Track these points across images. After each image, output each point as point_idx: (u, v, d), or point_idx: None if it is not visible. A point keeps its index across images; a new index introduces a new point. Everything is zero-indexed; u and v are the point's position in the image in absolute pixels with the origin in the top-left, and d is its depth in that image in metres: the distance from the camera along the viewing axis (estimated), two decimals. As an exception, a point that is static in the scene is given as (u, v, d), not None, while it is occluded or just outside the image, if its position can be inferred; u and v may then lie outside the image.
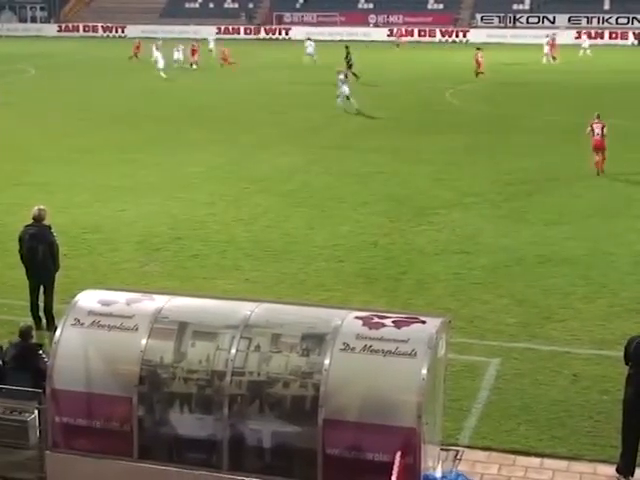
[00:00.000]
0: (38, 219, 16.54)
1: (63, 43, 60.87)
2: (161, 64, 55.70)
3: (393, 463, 9.89)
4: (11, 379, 12.08)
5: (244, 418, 10.69)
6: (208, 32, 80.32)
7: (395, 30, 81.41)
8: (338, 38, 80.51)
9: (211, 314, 11.49)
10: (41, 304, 16.46)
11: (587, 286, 18.54)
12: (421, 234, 22.13)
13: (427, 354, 10.34)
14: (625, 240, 21.55)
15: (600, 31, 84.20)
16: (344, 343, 10.53)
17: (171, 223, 23.04)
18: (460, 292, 18.17)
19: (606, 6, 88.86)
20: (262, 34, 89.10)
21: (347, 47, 55.28)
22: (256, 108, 42.75)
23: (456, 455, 12.07)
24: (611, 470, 11.76)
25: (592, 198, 25.55)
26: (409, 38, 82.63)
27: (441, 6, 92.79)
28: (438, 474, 10.97)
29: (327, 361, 10.43)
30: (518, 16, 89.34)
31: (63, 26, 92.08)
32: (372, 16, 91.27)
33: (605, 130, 28.32)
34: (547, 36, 67.20)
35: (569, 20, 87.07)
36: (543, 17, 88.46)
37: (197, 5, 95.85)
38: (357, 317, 10.94)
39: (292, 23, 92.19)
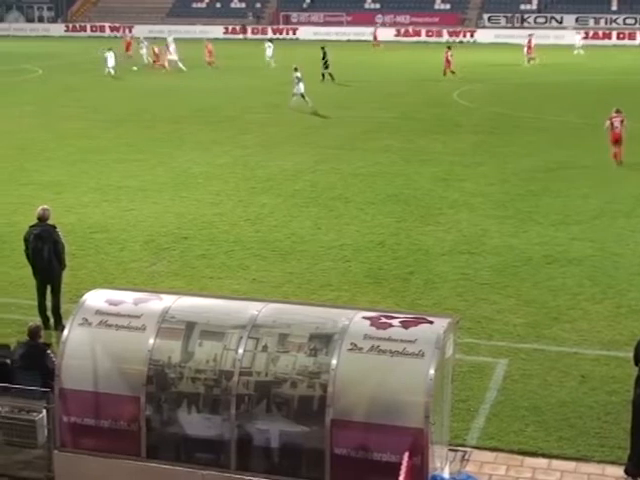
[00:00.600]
0: (43, 219, 16.56)
1: (70, 43, 60.90)
2: (111, 63, 56.14)
3: (401, 463, 9.88)
4: (19, 378, 12.11)
5: (252, 418, 10.69)
6: (204, 31, 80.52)
7: (374, 29, 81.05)
8: (345, 38, 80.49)
9: (219, 314, 11.48)
10: (48, 303, 16.48)
11: (595, 287, 18.50)
12: (428, 234, 22.11)
13: (435, 354, 10.32)
14: (633, 241, 21.51)
15: (607, 32, 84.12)
16: (352, 343, 10.52)
17: (178, 223, 23.05)
18: (467, 292, 18.15)
19: (614, 7, 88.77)
20: (269, 34, 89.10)
21: (323, 48, 55.01)
22: (261, 107, 42.73)
23: (464, 456, 12.06)
24: (619, 471, 11.73)
25: (599, 199, 25.49)
26: (416, 38, 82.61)
27: (448, 6, 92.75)
28: (446, 475, 10.95)
29: (335, 361, 10.42)
30: (526, 16, 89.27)
31: (70, 26, 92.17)
32: (379, 16, 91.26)
33: (625, 123, 29.67)
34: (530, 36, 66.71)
35: (576, 20, 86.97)
36: (551, 17, 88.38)
37: (204, 5, 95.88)
38: (364, 317, 10.93)
39: (299, 23, 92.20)
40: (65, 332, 11.61)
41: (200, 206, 24.70)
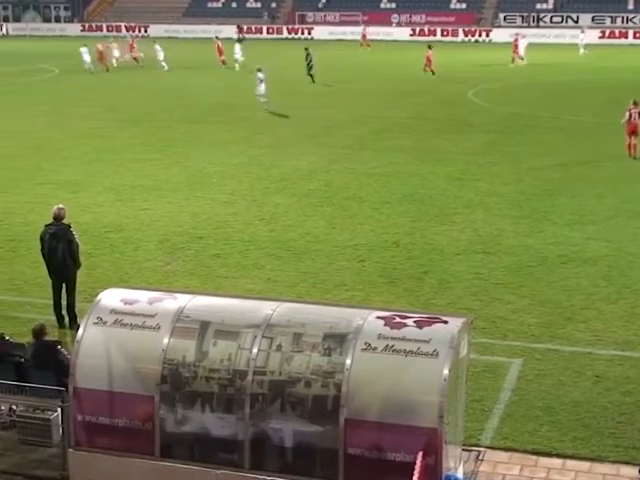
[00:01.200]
0: (58, 218, 16.62)
1: (86, 43, 61.00)
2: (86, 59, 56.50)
3: (414, 463, 9.88)
4: (33, 377, 12.15)
5: (266, 417, 10.70)
6: (225, 31, 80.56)
7: (362, 29, 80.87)
8: (360, 38, 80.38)
9: (233, 313, 11.50)
10: (64, 302, 16.54)
11: (610, 287, 18.45)
12: (442, 234, 22.08)
13: (449, 354, 10.32)
14: (648, 240, 21.46)
15: (624, 31, 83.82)
16: (366, 343, 10.53)
17: (192, 222, 23.09)
18: (482, 292, 18.12)
19: (630, 5, 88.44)
20: (284, 34, 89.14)
21: (307, 49, 54.96)
22: (275, 107, 42.75)
23: (478, 456, 12.05)
24: (634, 472, 11.71)
25: (615, 198, 25.41)
26: (431, 37, 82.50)
27: (464, 5, 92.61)
28: (459, 475, 10.94)
29: (349, 361, 10.43)
30: (541, 15, 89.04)
31: (86, 26, 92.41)
32: (395, 15, 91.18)
33: None
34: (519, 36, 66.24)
35: (593, 20, 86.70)
36: (567, 17, 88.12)
37: (220, 4, 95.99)
38: (379, 317, 10.93)
39: (314, 23, 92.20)
40: (80, 331, 11.65)
41: (215, 206, 24.73)
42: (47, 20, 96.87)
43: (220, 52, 61.42)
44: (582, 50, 69.31)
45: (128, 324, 11.41)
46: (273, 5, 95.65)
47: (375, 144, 33.94)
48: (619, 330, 16.21)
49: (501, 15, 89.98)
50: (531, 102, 45.14)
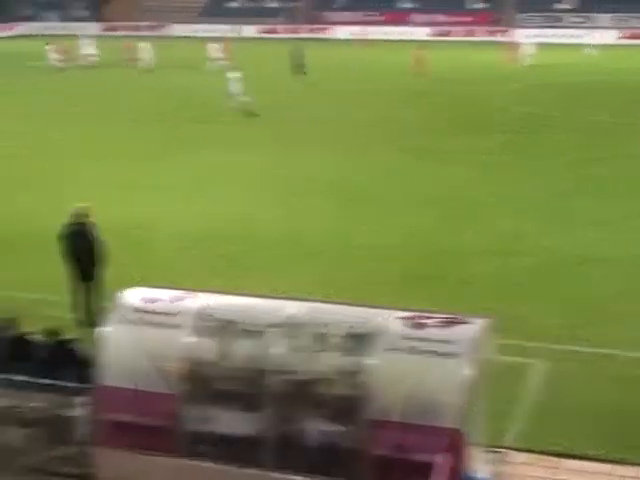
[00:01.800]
0: (79, 217, 16.70)
1: (105, 42, 61.21)
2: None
3: (436, 464, 9.89)
4: (57, 375, 12.21)
5: (288, 417, 10.73)
6: (248, 31, 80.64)
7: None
8: (378, 37, 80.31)
9: (255, 312, 11.53)
10: (86, 301, 16.61)
11: (631, 287, 18.40)
12: (463, 235, 22.09)
13: (470, 355, 10.33)
14: (669, 241, 21.41)
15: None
16: (388, 343, 10.54)
17: (216, 221, 23.16)
18: (504, 293, 18.11)
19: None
20: (302, 34, 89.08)
21: (296, 45, 55.92)
22: (297, 106, 42.76)
23: (499, 457, 12.04)
24: (656, 474, 11.71)
25: (635, 197, 25.34)
26: (451, 38, 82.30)
27: (483, 5, 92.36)
28: (482, 476, 10.94)
29: (371, 361, 10.44)
30: (561, 15, 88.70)
31: (105, 25, 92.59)
32: (413, 15, 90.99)
33: None
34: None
35: (613, 19, 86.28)
36: (587, 16, 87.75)
37: (237, 4, 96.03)
38: (401, 317, 10.94)
39: (332, 22, 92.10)
40: (103, 330, 11.71)
41: (239, 205, 24.79)
42: (66, 19, 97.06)
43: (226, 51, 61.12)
44: (589, 50, 68.74)
45: (151, 323, 11.46)
46: (291, 5, 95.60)
47: (392, 144, 33.89)
48: (640, 331, 16.19)
49: (520, 15, 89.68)
50: (547, 102, 45.01)
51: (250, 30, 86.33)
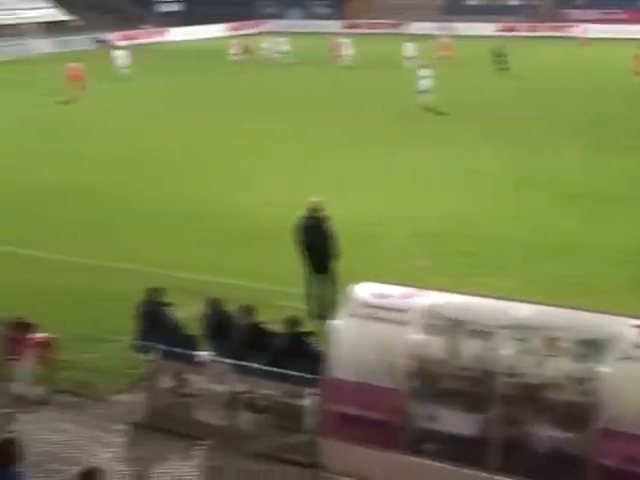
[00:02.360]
0: (316, 210, 17.05)
1: (345, 39, 62.03)
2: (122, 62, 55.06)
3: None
4: (288, 365, 12.55)
5: (515, 420, 10.62)
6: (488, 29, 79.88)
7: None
8: (622, 36, 77.72)
9: (485, 313, 11.48)
10: (318, 294, 16.94)
11: None
12: None
13: None
14: None
15: None
16: (622, 351, 10.26)
17: (446, 219, 23.11)
18: None
19: None
20: (542, 32, 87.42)
21: (501, 47, 54.49)
22: (500, 104, 41.85)
23: None
24: None
25: None
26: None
27: None
28: None
29: (604, 369, 10.18)
30: None
31: (347, 23, 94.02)
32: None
33: None
34: None
35: None
36: None
37: (477, 1, 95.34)
38: (635, 325, 10.62)
39: (574, 20, 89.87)
40: (333, 323, 11.95)
41: (468, 203, 24.64)
42: (309, 17, 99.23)
43: (446, 48, 60.49)
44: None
45: (381, 318, 11.60)
46: (534, 3, 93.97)
47: (615, 143, 32.51)
48: None
49: None
50: None
51: (488, 28, 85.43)
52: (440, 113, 39.84)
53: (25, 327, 14.09)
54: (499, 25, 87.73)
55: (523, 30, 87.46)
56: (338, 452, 11.61)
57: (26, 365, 13.99)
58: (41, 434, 12.76)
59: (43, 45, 64.22)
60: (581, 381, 10.30)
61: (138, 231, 22.71)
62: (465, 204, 24.62)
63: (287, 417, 12.41)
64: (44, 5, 78.15)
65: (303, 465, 11.95)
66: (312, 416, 12.20)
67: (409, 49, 57.20)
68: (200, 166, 29.95)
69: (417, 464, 11.12)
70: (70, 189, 26.92)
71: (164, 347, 13.31)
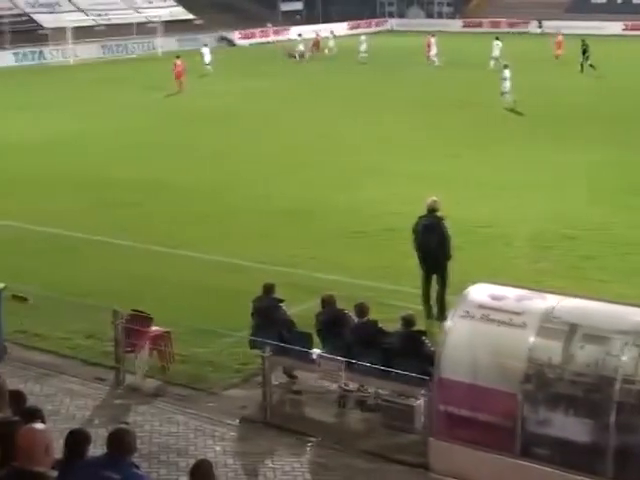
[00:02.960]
0: (432, 210, 16.92)
1: (465, 38, 61.55)
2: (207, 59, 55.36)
3: None
4: (399, 364, 12.47)
5: (632, 428, 10.35)
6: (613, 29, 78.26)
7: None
8: None
9: (603, 318, 11.23)
10: (433, 294, 16.82)
11: None
12: None
13: None
14: None
15: None
16: None
17: (565, 222, 22.68)
18: None
19: None
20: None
21: (584, 41, 53.53)
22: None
23: None
24: None
25: None
26: None
27: None
28: None
29: None
30: None
31: (467, 21, 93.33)
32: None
33: None
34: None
35: None
36: None
37: (604, 0, 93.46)
38: None
39: None
40: (447, 323, 11.86)
41: (588, 206, 24.14)
42: (430, 16, 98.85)
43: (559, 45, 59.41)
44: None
45: (495, 320, 11.45)
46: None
47: None
48: None
49: None
50: None
51: (614, 27, 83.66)
52: (519, 114, 39.23)
53: (142, 320, 14.33)
54: (627, 24, 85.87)
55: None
56: (447, 453, 11.50)
57: (142, 357, 14.22)
58: (155, 425, 12.96)
59: (168, 43, 65.34)
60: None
61: (249, 227, 22.85)
62: (579, 206, 24.09)
63: (397, 417, 12.32)
64: (169, 4, 79.71)
65: (412, 465, 11.86)
66: (422, 416, 12.09)
67: (496, 49, 55.94)
68: (313, 165, 30.02)
69: (527, 468, 10.93)
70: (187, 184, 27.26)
71: (277, 343, 13.36)
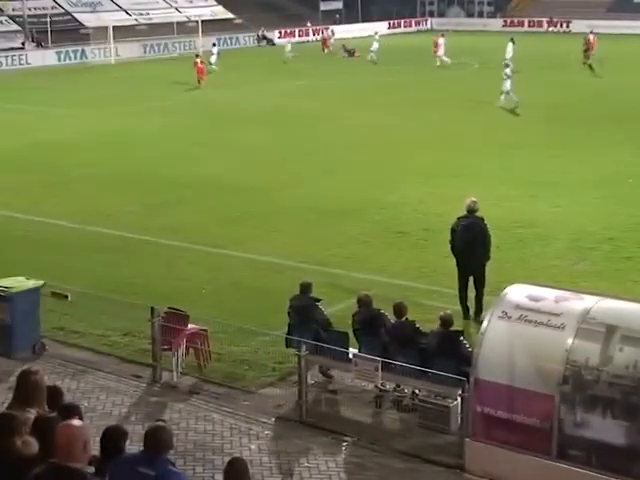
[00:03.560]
0: (471, 210, 16.85)
1: (506, 38, 61.16)
2: (213, 59, 55.94)
3: None
4: (435, 364, 12.43)
5: (670, 431, 10.24)
6: None
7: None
8: None
9: (641, 319, 11.12)
10: (470, 294, 16.75)
11: None
12: None
13: None
14: None
15: None
16: None
17: (605, 223, 22.49)
18: None
19: None
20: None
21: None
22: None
23: None
24: None
25: None
26: None
27: None
28: None
29: None
30: None
31: (508, 21, 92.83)
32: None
33: None
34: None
35: None
36: None
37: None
38: None
39: None
40: (484, 323, 11.80)
41: (629, 207, 23.92)
42: (470, 15, 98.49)
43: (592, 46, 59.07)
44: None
45: (533, 321, 11.38)
46: None
47: None
48: None
49: None
50: None
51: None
52: (516, 114, 39.00)
53: (179, 318, 14.38)
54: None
55: None
56: (483, 454, 11.45)
57: (178, 355, 14.28)
58: (190, 423, 13.00)
59: (208, 43, 65.51)
60: None
61: (290, 226, 22.88)
62: (620, 207, 23.87)
63: (433, 417, 12.28)
64: (210, 3, 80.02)
65: (447, 466, 11.82)
66: (459, 417, 12.04)
67: (509, 49, 54.82)
68: (355, 164, 30.00)
69: (563, 470, 10.86)
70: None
71: (313, 342, 13.37)
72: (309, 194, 25.83)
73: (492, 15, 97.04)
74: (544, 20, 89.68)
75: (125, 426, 9.31)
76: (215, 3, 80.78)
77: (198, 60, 50.65)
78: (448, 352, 12.72)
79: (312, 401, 13.43)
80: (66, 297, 15.64)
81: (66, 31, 68.34)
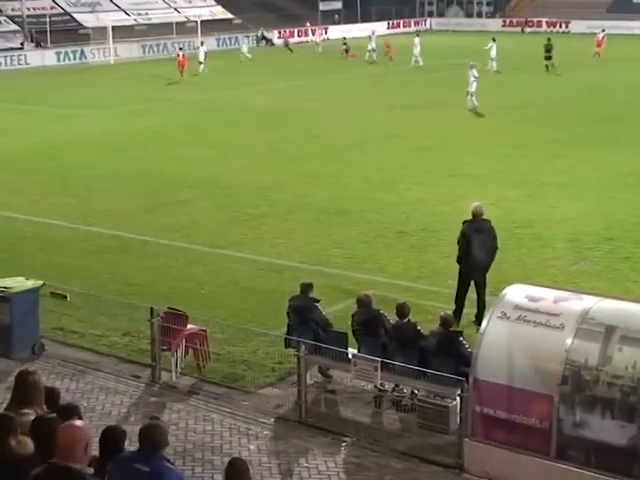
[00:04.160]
0: (478, 215, 16.74)
1: (504, 38, 61.11)
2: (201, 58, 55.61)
3: None
4: (434, 365, 12.43)
5: (670, 432, 10.24)
6: None
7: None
8: None
9: (640, 319, 11.12)
10: (469, 295, 16.69)
11: None
12: None
13: None
14: None
15: None
16: None
17: (604, 223, 22.50)
18: None
19: None
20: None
21: (549, 39, 54.32)
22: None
23: None
24: None
25: None
26: None
27: None
28: None
29: None
30: None
31: (507, 21, 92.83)
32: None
33: None
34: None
35: None
36: None
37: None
38: None
39: None
40: (484, 324, 11.80)
41: (628, 207, 23.93)
42: (469, 15, 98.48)
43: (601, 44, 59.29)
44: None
45: (532, 321, 11.38)
46: None
47: None
48: None
49: None
50: None
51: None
52: (480, 115, 39.01)
53: (178, 318, 14.38)
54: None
55: None
56: (482, 454, 11.45)
57: (178, 355, 14.28)
58: (189, 423, 13.01)
59: (208, 43, 65.45)
60: None
61: (291, 227, 22.88)
62: (619, 208, 23.87)
63: (432, 417, 12.28)
64: (209, 4, 80.00)
65: (446, 466, 11.82)
66: (458, 417, 12.04)
67: (492, 49, 54.84)
68: (355, 165, 30.01)
69: (563, 470, 10.87)
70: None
71: (313, 342, 13.37)
72: (309, 194, 25.81)
73: (491, 15, 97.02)
74: (543, 20, 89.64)
75: (124, 426, 9.32)
76: (214, 3, 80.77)
77: (180, 53, 53.55)
78: (447, 352, 12.73)
79: (311, 401, 13.43)
80: (65, 297, 15.64)
81: (65, 31, 68.32)
